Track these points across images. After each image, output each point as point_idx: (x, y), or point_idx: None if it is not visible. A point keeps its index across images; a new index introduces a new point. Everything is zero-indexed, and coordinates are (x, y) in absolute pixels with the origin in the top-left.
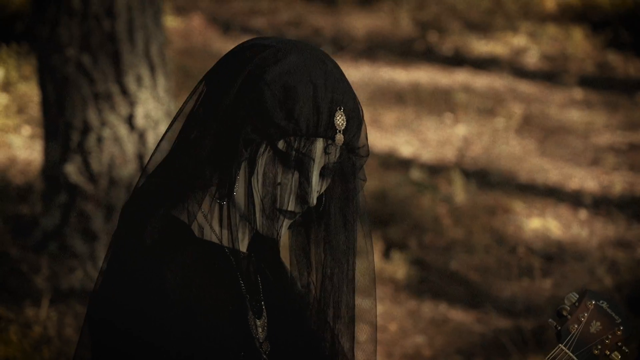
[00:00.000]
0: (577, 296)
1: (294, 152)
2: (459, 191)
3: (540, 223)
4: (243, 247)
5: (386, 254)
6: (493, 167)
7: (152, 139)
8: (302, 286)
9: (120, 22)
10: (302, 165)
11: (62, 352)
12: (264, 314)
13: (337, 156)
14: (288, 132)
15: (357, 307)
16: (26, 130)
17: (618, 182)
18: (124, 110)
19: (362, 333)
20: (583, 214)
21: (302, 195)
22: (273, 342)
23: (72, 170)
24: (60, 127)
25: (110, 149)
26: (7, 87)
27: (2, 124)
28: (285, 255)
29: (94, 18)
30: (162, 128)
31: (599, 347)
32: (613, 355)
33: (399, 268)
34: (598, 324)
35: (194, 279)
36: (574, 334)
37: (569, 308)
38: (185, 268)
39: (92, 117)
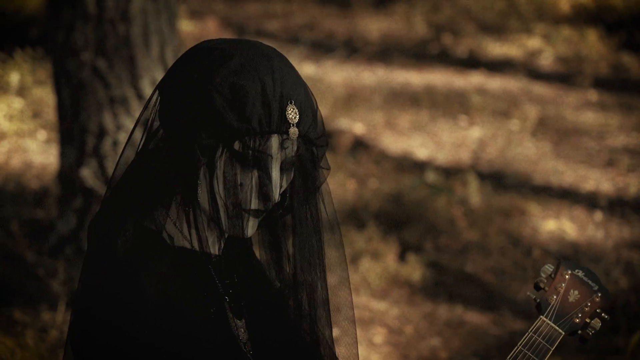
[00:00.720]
0: (553, 267)
1: (250, 152)
2: (474, 193)
3: (556, 225)
4: (215, 250)
5: (402, 257)
6: (508, 169)
7: None
8: (277, 281)
9: (135, 26)
10: (260, 163)
11: None
12: (244, 314)
13: (294, 149)
14: (242, 132)
15: (341, 296)
16: (42, 134)
17: (633, 184)
18: (139, 114)
19: (342, 320)
20: (598, 215)
21: (265, 193)
22: (255, 341)
23: (87, 174)
24: (76, 132)
25: (126, 153)
26: (22, 91)
27: (18, 129)
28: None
29: (109, 22)
30: None
31: (580, 315)
32: (593, 322)
33: (414, 270)
34: (576, 292)
35: (172, 285)
36: (553, 304)
37: (545, 280)
38: (161, 275)
39: (108, 121)
